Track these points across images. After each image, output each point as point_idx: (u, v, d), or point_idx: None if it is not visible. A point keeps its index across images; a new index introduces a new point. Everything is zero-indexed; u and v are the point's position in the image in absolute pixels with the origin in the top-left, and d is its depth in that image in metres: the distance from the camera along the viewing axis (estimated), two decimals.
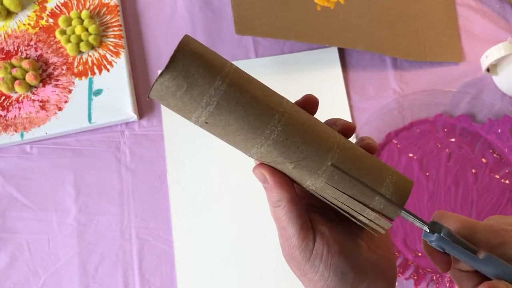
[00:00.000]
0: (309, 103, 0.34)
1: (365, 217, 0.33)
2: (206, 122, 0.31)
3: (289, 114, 0.31)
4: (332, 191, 0.32)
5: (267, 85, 0.32)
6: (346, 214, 0.33)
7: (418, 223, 0.33)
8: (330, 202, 0.33)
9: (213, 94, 0.30)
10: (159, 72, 0.30)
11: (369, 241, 0.35)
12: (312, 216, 0.34)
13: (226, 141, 0.32)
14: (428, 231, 0.33)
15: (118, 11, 0.71)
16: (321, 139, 0.32)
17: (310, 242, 0.33)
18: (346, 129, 0.34)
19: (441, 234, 0.32)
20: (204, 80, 0.29)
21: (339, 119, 0.35)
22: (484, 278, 0.34)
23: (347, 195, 0.32)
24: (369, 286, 0.34)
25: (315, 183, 0.32)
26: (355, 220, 0.34)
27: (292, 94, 0.67)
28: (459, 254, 0.32)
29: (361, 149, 0.34)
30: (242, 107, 0.30)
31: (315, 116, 0.34)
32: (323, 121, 0.34)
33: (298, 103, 0.34)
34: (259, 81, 0.32)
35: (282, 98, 0.32)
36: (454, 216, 0.34)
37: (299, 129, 0.31)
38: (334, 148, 0.32)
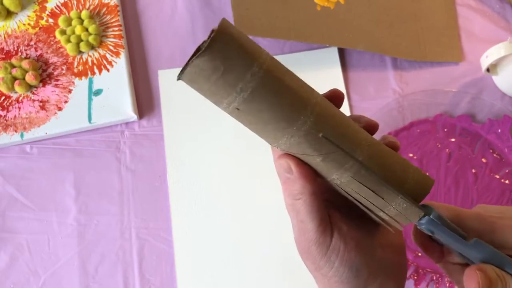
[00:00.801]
0: (336, 97, 0.34)
1: (385, 213, 0.33)
2: (238, 109, 0.30)
3: (321, 106, 0.31)
4: (356, 186, 0.32)
5: (299, 77, 0.32)
6: (366, 210, 0.33)
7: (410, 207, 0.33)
8: (352, 197, 0.33)
9: (250, 80, 0.29)
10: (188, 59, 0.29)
11: (383, 240, 0.36)
12: (331, 212, 0.34)
13: (254, 130, 0.32)
14: (417, 209, 0.33)
15: (118, 11, 0.71)
16: (351, 133, 0.32)
17: (328, 237, 0.33)
18: (370, 127, 0.34)
19: (431, 217, 0.32)
20: (241, 65, 0.29)
21: (362, 116, 0.35)
22: None
23: (371, 190, 0.32)
24: (381, 284, 0.34)
25: (341, 177, 0.32)
26: (374, 216, 0.34)
27: None
28: (448, 237, 0.32)
29: (385, 146, 0.34)
30: (277, 95, 0.30)
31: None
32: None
33: (325, 96, 0.34)
34: (293, 72, 0.32)
35: (313, 90, 0.32)
36: (442, 205, 0.34)
37: (330, 121, 0.31)
38: (362, 144, 0.32)
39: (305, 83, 0.32)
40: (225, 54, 0.28)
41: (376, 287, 0.34)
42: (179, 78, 0.29)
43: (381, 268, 0.34)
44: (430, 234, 0.33)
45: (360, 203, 0.33)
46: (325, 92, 0.34)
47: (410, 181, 0.33)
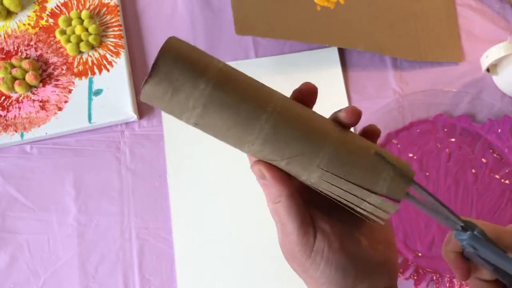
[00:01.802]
0: (306, 93, 0.33)
1: (362, 209, 0.32)
2: (196, 123, 0.31)
3: (279, 112, 0.31)
4: (327, 186, 0.32)
5: (257, 81, 0.32)
6: (345, 206, 0.33)
7: (449, 222, 0.32)
8: (328, 195, 0.33)
9: (198, 97, 0.30)
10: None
11: (370, 237, 0.35)
12: (313, 212, 0.34)
13: (220, 140, 0.33)
14: (460, 229, 0.32)
15: (118, 11, 0.71)
16: (313, 135, 0.31)
17: (311, 238, 0.33)
18: (351, 114, 0.33)
19: (475, 233, 0.32)
20: (188, 84, 0.30)
21: (347, 106, 0.34)
22: (505, 286, 0.34)
23: (342, 189, 0.32)
24: (370, 282, 0.34)
25: (310, 178, 0.32)
26: (354, 212, 0.33)
27: None
28: (492, 254, 0.32)
29: (358, 142, 0.33)
30: (229, 108, 0.30)
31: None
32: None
33: (294, 94, 0.33)
34: (249, 78, 0.32)
35: (273, 94, 0.32)
36: (478, 221, 0.34)
37: (289, 127, 0.31)
38: (326, 146, 0.31)
39: (263, 89, 0.32)
40: (169, 76, 0.29)
41: (366, 286, 0.33)
42: (138, 99, 0.31)
43: (369, 266, 0.34)
44: (471, 250, 0.32)
45: (337, 200, 0.33)
46: (297, 88, 0.34)
47: (384, 179, 0.32)
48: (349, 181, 0.31)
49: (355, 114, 0.33)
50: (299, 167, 0.32)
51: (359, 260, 0.33)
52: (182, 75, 0.29)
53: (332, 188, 0.32)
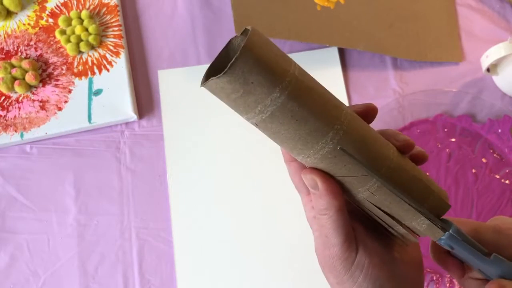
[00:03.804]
0: (368, 113, 0.33)
1: (402, 227, 0.33)
2: (256, 124, 0.30)
3: (345, 131, 0.30)
4: (371, 207, 0.32)
5: (326, 90, 0.31)
6: (383, 223, 0.33)
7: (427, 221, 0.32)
8: (370, 211, 0.33)
9: (269, 104, 0.28)
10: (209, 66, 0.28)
11: (404, 255, 0.35)
12: (355, 226, 0.34)
13: (273, 140, 0.31)
14: (439, 228, 0.32)
15: (118, 11, 0.71)
16: (371, 159, 0.31)
17: (353, 253, 0.33)
18: (406, 147, 0.33)
19: (450, 231, 0.32)
20: (262, 89, 0.28)
21: (400, 134, 0.33)
22: None
23: (389, 211, 0.32)
24: None
25: (360, 194, 0.32)
26: (391, 230, 0.33)
27: None
28: (467, 253, 0.32)
29: (411, 172, 0.32)
30: (296, 121, 0.29)
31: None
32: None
33: (357, 111, 0.33)
34: (321, 88, 0.31)
35: (341, 110, 0.30)
36: (459, 220, 0.34)
37: (352, 145, 0.30)
38: (382, 170, 0.31)
39: (333, 102, 0.30)
40: (245, 78, 0.27)
41: None
42: (202, 85, 0.29)
43: (402, 281, 0.34)
44: (449, 249, 0.32)
45: (378, 217, 0.33)
46: (357, 105, 0.33)
47: (429, 203, 0.32)
48: (390, 211, 0.31)
49: (410, 147, 0.33)
50: (349, 186, 0.31)
51: (394, 275, 0.33)
52: (258, 80, 0.27)
53: (375, 210, 0.32)
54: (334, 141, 0.30)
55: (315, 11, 0.69)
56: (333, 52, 0.69)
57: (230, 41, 0.29)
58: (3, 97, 0.68)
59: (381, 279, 0.33)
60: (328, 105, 0.30)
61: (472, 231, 0.33)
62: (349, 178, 0.31)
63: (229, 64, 0.27)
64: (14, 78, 0.67)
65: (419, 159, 0.34)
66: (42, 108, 0.67)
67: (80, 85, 0.68)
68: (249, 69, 0.27)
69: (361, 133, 0.31)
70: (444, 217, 0.33)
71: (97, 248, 0.62)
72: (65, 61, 0.69)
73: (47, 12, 0.72)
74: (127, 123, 0.67)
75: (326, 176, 0.31)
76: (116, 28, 0.71)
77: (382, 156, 0.31)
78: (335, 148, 0.30)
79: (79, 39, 0.69)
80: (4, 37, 0.71)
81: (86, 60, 0.69)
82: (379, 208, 0.32)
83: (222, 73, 0.27)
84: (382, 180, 0.31)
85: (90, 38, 0.69)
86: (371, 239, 0.34)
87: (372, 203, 0.32)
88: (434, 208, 0.32)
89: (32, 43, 0.70)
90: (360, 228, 0.34)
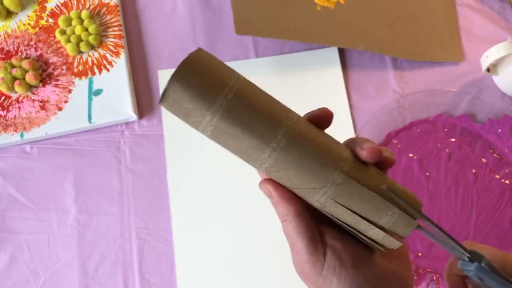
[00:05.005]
0: (321, 118, 0.33)
1: (368, 237, 0.32)
2: (210, 138, 0.32)
3: (285, 144, 0.30)
4: (332, 212, 0.32)
5: (271, 102, 0.31)
6: (352, 231, 0.33)
7: (456, 252, 0.32)
8: (336, 219, 0.33)
9: (206, 125, 0.30)
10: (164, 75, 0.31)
11: (384, 252, 0.35)
12: (323, 229, 0.34)
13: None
14: (467, 259, 0.32)
15: (118, 11, 0.71)
16: (317, 171, 0.30)
17: (321, 256, 0.32)
18: (371, 155, 0.32)
19: (482, 264, 0.32)
20: (195, 113, 0.30)
21: (367, 141, 0.32)
22: None
23: (347, 217, 0.32)
24: None
25: (314, 203, 0.32)
26: (361, 237, 0.33)
27: (292, 94, 0.67)
28: (498, 285, 0.32)
29: (368, 179, 0.31)
30: (234, 139, 0.30)
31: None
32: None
33: (310, 116, 0.32)
34: (262, 101, 0.31)
35: (281, 121, 0.30)
36: (484, 247, 0.34)
37: (291, 162, 0.30)
38: (328, 184, 0.31)
39: (275, 114, 0.30)
40: (180, 105, 0.30)
41: None
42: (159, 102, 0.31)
43: (384, 281, 0.33)
44: (478, 280, 0.33)
45: (345, 226, 0.33)
46: (312, 111, 0.33)
47: (387, 221, 0.31)
48: (354, 213, 0.31)
49: (376, 155, 0.32)
50: (303, 194, 0.32)
51: (374, 275, 0.33)
52: (190, 106, 0.29)
53: (338, 213, 0.32)
54: (272, 157, 0.30)
55: (315, 11, 0.69)
56: (333, 52, 0.69)
57: (188, 56, 0.30)
58: (3, 97, 0.68)
59: (357, 279, 0.32)
60: (265, 121, 0.30)
61: (498, 261, 0.33)
62: (298, 190, 0.32)
63: (161, 93, 0.30)
64: (14, 78, 0.67)
65: (386, 165, 0.33)
66: (42, 108, 0.67)
67: (80, 85, 0.68)
68: (179, 97, 0.29)
69: (304, 144, 0.31)
70: (468, 241, 0.33)
71: (97, 248, 0.62)
72: (65, 61, 0.69)
73: (47, 12, 0.72)
74: (127, 123, 0.67)
75: (279, 185, 0.32)
76: (116, 28, 0.71)
77: (327, 169, 0.31)
78: (276, 163, 0.30)
79: (79, 39, 0.69)
80: (4, 37, 0.71)
81: (86, 60, 0.69)
82: (336, 218, 0.32)
83: (159, 100, 0.30)
84: (328, 194, 0.31)
85: (90, 38, 0.69)
86: (343, 241, 0.33)
87: (327, 212, 0.32)
88: (394, 223, 0.31)
89: (32, 43, 0.70)
90: (329, 230, 0.34)
